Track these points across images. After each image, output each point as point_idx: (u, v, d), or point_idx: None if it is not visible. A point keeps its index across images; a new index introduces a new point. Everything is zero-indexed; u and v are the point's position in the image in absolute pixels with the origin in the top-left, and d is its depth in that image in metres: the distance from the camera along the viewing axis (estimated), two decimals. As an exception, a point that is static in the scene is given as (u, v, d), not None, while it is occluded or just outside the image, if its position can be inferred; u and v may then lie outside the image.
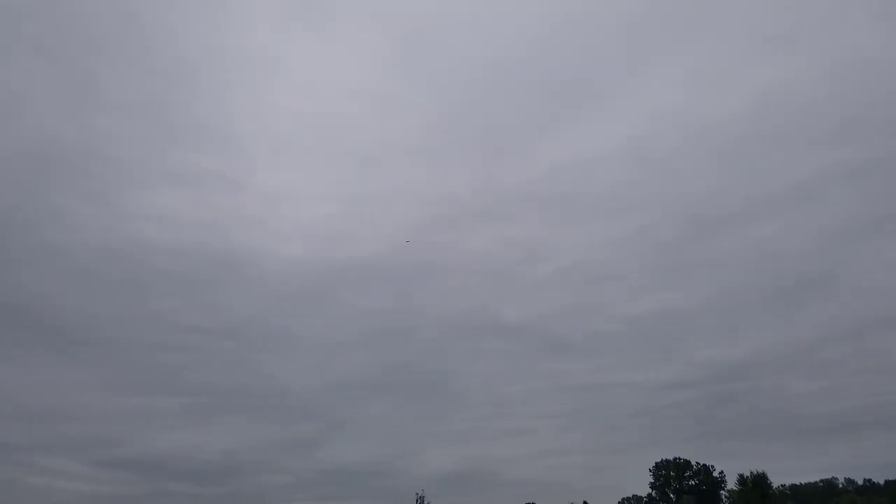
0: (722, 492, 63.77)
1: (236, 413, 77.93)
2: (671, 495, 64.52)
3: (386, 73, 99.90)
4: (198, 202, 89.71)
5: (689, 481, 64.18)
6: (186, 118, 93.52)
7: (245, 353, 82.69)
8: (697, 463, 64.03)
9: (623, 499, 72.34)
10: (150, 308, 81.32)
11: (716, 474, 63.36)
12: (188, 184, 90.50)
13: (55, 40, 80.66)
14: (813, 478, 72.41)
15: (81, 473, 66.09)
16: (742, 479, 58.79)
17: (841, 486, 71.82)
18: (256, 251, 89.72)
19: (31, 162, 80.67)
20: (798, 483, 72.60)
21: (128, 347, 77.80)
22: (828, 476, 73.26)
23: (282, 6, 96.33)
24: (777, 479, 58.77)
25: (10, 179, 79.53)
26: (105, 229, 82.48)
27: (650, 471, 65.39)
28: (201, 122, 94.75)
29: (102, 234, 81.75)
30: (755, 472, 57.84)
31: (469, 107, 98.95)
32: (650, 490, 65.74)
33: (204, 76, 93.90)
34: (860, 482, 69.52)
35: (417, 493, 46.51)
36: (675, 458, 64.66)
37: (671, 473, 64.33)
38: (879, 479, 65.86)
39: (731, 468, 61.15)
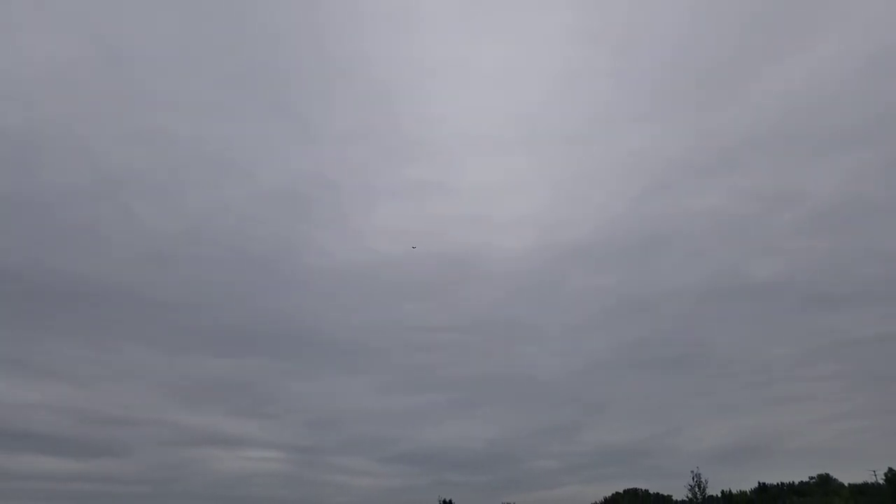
0: None
1: (495, 404, 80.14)
2: None
3: (571, 51, 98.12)
4: (420, 211, 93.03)
5: None
6: (395, 135, 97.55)
7: (492, 346, 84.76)
8: None
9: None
10: (401, 314, 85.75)
11: None
12: (408, 196, 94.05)
13: (273, 92, 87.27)
14: None
15: (371, 469, 71.27)
16: None
17: None
18: (483, 248, 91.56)
19: (283, 199, 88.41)
20: None
21: (390, 353, 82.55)
22: None
23: (458, 11, 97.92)
24: None
25: (271, 217, 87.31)
26: (347, 249, 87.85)
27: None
28: (409, 136, 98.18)
29: (346, 254, 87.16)
30: None
31: (667, 62, 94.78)
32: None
33: (402, 93, 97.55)
34: None
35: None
36: None
37: None
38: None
39: None
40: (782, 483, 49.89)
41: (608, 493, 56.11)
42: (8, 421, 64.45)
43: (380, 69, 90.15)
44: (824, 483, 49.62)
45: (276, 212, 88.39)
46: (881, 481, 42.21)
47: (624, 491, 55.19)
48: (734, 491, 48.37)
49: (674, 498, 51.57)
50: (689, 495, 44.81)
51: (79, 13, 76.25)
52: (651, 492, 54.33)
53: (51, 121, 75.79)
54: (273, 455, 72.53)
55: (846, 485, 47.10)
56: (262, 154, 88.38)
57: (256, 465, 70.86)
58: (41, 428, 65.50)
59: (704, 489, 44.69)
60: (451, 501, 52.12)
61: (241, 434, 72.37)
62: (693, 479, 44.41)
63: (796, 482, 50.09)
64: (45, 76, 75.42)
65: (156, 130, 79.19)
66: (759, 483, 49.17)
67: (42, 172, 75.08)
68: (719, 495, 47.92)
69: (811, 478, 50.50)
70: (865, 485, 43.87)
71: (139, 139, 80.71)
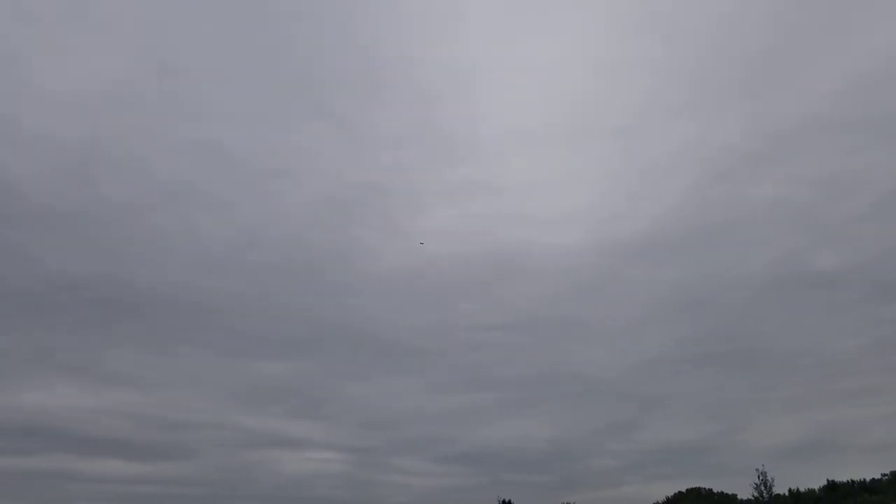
0: None
1: (551, 402, 79.54)
2: None
3: (615, 42, 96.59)
4: (469, 211, 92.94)
5: None
6: (441, 136, 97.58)
7: (546, 344, 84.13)
8: None
9: None
10: (453, 314, 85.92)
11: None
12: (456, 196, 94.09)
13: (319, 99, 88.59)
14: None
15: (428, 470, 71.87)
16: None
17: None
18: (534, 245, 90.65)
19: (333, 205, 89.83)
20: None
21: (444, 352, 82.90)
22: None
23: (500, 8, 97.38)
24: None
25: (323, 224, 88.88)
26: (399, 252, 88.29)
27: None
28: (454, 136, 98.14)
29: (398, 257, 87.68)
30: None
31: (715, 48, 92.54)
32: None
33: (446, 94, 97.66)
34: None
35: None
36: None
37: None
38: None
39: None
40: (853, 480, 48.06)
41: (670, 492, 54.96)
42: (78, 426, 67.09)
43: (423, 71, 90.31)
44: (898, 480, 47.79)
45: (326, 217, 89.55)
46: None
47: (687, 490, 54.07)
48: (802, 489, 46.76)
49: (739, 497, 50.18)
50: (755, 494, 43.37)
51: (132, 33, 78.78)
52: (715, 490, 53.16)
53: (109, 136, 78.28)
54: (331, 456, 73.66)
55: (921, 481, 45.28)
56: (310, 161, 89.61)
57: (316, 467, 72.09)
58: (108, 432, 67.95)
59: (771, 487, 43.15)
60: (510, 501, 51.86)
61: (300, 436, 73.74)
62: (758, 477, 42.93)
63: (868, 479, 48.17)
64: (103, 94, 77.87)
65: (207, 142, 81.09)
66: (827, 481, 47.43)
67: (102, 186, 77.56)
68: (786, 494, 46.46)
69: (883, 475, 48.50)
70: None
71: (192, 151, 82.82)
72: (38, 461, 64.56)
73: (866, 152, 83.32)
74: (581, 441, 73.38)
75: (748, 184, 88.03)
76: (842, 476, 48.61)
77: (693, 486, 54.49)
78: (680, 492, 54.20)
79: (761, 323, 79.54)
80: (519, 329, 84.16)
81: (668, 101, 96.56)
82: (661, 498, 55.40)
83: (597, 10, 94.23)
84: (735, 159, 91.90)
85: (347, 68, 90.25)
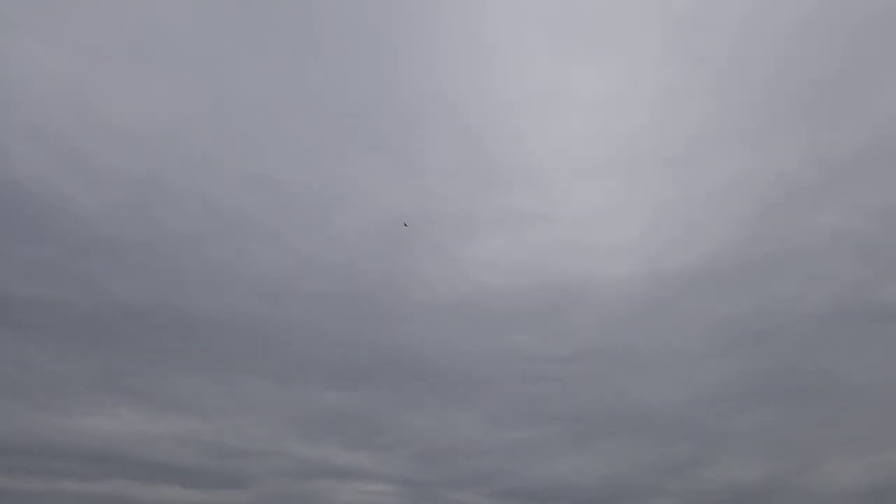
0: None
1: (608, 436, 78.37)
2: None
3: (670, 71, 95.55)
4: (521, 241, 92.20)
5: None
6: (493, 166, 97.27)
7: (602, 376, 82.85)
8: None
9: None
10: (508, 345, 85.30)
11: None
12: (508, 226, 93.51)
13: (371, 131, 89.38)
14: None
15: (481, 504, 71.55)
16: None
17: None
18: (586, 275, 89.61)
19: (386, 236, 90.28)
20: None
21: (499, 384, 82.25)
22: None
23: (548, 38, 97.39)
24: None
25: (376, 253, 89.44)
26: (451, 279, 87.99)
27: None
28: (507, 166, 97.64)
29: (450, 286, 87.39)
30: None
31: (771, 79, 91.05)
32: None
33: (499, 124, 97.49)
34: None
35: None
36: None
37: None
38: None
39: None
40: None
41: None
42: (138, 452, 68.58)
43: (475, 103, 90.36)
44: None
45: (379, 247, 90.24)
46: None
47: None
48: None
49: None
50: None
51: (192, 68, 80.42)
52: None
53: (169, 170, 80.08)
54: (384, 488, 73.58)
55: None
56: (364, 191, 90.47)
57: (370, 499, 72.01)
58: (168, 459, 69.18)
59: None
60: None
61: (355, 466, 73.89)
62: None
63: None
64: (163, 129, 79.62)
65: (263, 174, 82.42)
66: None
67: (163, 218, 79.44)
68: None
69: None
70: None
71: (248, 183, 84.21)
72: (100, 486, 66.06)
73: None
74: (639, 478, 72.15)
75: (808, 214, 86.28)
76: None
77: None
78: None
79: (825, 358, 77.37)
80: (575, 360, 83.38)
81: (723, 130, 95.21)
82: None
83: (651, 39, 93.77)
84: (793, 189, 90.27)
85: (399, 101, 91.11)
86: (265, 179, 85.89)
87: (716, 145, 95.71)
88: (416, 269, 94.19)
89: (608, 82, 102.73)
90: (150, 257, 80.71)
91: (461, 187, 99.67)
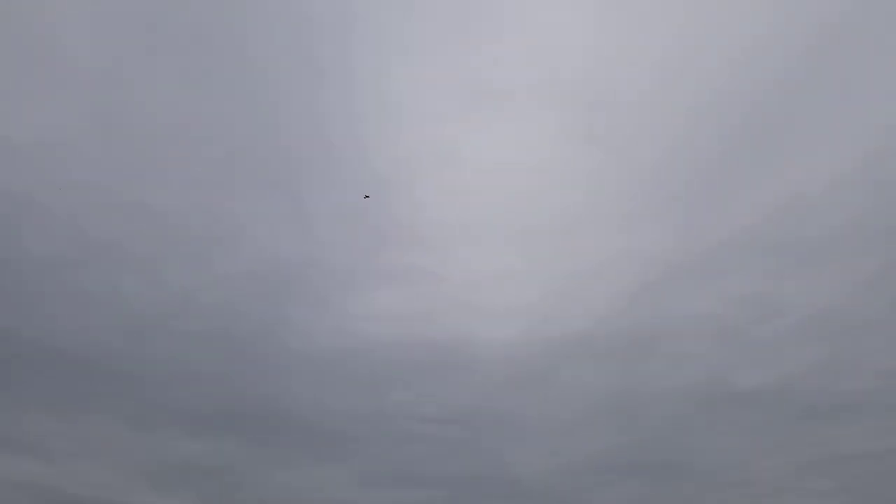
0: None
1: (476, 503, 78.15)
2: None
3: (564, 148, 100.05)
4: (409, 297, 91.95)
5: None
6: (385, 219, 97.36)
7: (475, 441, 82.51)
8: None
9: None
10: (385, 402, 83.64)
11: None
12: (397, 280, 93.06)
13: (264, 169, 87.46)
14: None
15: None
16: None
17: None
18: (471, 337, 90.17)
19: (268, 280, 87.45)
20: None
21: (374, 442, 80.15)
22: None
23: (454, 104, 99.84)
24: None
25: (256, 296, 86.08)
26: (332, 331, 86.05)
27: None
28: (400, 221, 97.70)
29: (331, 337, 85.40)
30: None
31: (658, 163, 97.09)
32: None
33: (396, 179, 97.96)
34: None
35: None
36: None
37: None
38: None
39: None
40: None
41: None
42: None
43: (376, 155, 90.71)
44: None
45: (260, 290, 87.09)
46: None
47: None
48: None
49: None
50: None
51: (77, 84, 76.00)
52: None
53: (40, 186, 74.61)
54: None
55: None
56: (249, 232, 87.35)
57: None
58: (0, 504, 62.41)
59: None
60: None
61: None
62: None
63: None
64: (39, 142, 74.53)
65: (141, 202, 78.43)
66: None
67: (26, 237, 73.58)
68: None
69: None
70: None
71: (124, 210, 79.58)
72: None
73: (791, 275, 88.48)
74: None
75: (679, 298, 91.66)
76: None
77: None
78: None
79: (684, 437, 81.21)
80: (450, 423, 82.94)
81: (608, 208, 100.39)
82: None
83: (549, 115, 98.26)
84: (671, 272, 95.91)
85: (295, 147, 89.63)
86: (143, 208, 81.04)
87: (600, 221, 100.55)
88: (297, 317, 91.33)
89: (505, 151, 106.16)
90: (4, 278, 73.89)
91: (350, 237, 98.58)
